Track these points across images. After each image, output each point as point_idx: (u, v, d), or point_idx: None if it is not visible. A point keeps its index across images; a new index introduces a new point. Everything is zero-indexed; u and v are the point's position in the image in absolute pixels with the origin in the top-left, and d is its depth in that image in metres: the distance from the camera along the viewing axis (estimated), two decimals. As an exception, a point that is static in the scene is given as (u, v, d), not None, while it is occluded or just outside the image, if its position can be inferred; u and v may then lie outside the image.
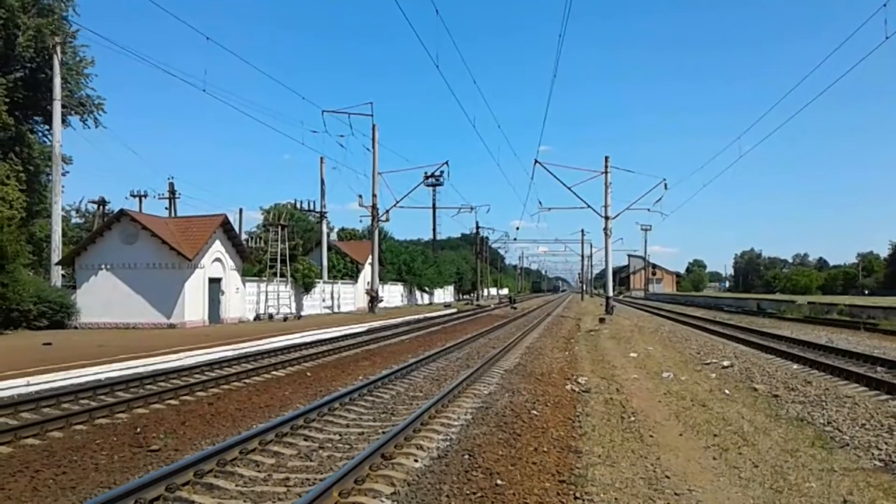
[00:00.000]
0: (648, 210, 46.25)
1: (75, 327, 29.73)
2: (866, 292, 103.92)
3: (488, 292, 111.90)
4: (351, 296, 52.49)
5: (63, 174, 36.28)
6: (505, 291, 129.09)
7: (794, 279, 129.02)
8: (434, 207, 77.67)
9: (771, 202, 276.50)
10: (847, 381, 13.82)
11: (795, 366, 16.46)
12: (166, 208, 55.80)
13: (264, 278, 40.20)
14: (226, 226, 34.63)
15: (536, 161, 41.73)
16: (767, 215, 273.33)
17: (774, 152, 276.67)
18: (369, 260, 49.16)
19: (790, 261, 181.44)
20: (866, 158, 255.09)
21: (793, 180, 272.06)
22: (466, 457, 7.66)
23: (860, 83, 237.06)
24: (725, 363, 16.74)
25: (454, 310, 55.64)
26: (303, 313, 42.96)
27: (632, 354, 19.24)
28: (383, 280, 55.81)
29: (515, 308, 59.72)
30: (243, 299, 36.85)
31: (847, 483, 6.82)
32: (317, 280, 46.12)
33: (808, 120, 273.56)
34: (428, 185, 69.93)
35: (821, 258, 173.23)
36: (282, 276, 40.96)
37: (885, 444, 8.43)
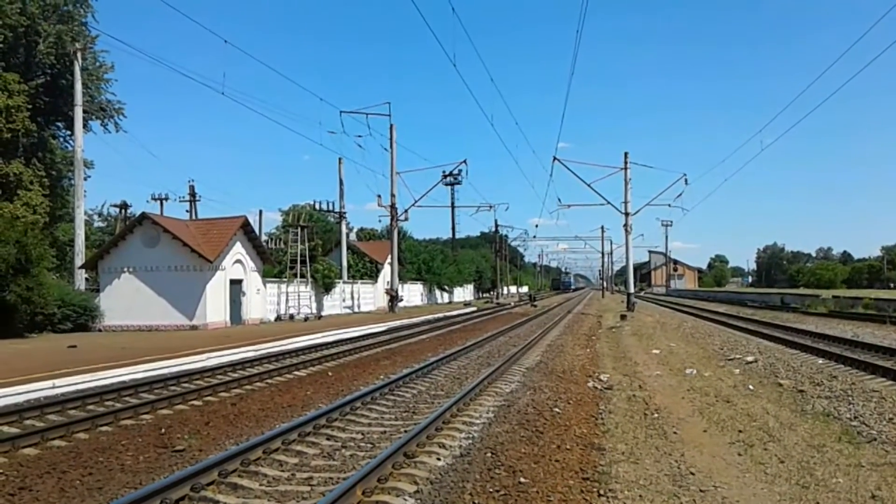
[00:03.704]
0: (669, 205, 45.78)
1: (99, 330, 30.08)
2: (892, 285, 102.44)
3: (508, 290, 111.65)
4: (371, 295, 52.61)
5: (85, 178, 36.73)
6: (525, 289, 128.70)
7: (818, 273, 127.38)
8: (453, 206, 77.40)
9: (793, 196, 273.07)
10: (874, 376, 13.62)
11: (821, 360, 16.26)
12: (187, 211, 56.23)
13: (284, 279, 40.41)
14: (246, 227, 34.85)
15: (555, 158, 41.45)
16: (790, 209, 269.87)
17: (796, 146, 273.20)
18: (388, 259, 49.26)
19: (814, 255, 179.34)
20: (890, 151, 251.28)
21: (815, 174, 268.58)
22: (489, 455, 7.64)
23: (882, 75, 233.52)
24: (749, 359, 16.56)
25: (474, 308, 55.62)
26: (323, 313, 43.13)
27: (654, 351, 19.12)
28: (403, 279, 55.90)
29: (535, 306, 59.62)
30: (264, 300, 37.07)
31: (875, 478, 6.72)
32: (336, 280, 46.29)
33: (830, 113, 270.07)
34: (446, 185, 69.61)
35: (845, 252, 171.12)
36: (302, 276, 41.15)
37: (915, 438, 8.29)
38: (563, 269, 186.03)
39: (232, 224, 33.81)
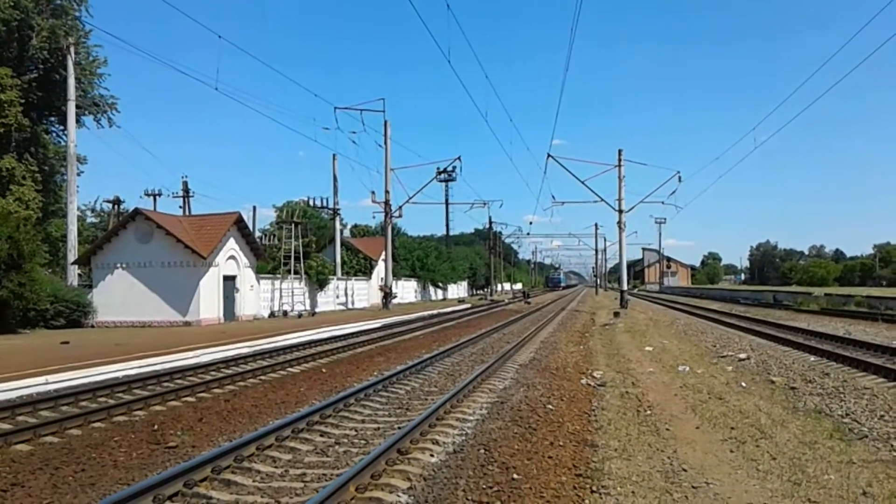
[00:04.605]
0: (663, 203, 45.85)
1: (92, 326, 30.00)
2: (884, 283, 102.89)
3: (502, 287, 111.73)
4: (364, 292, 52.61)
5: (78, 174, 36.59)
6: (518, 286, 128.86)
7: (811, 271, 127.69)
8: (447, 203, 77.38)
9: (786, 194, 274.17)
10: (865, 373, 13.69)
11: (813, 358, 16.33)
12: (180, 207, 56.06)
13: (278, 275, 40.36)
14: (240, 224, 34.79)
15: (549, 155, 41.43)
16: (783, 207, 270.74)
17: (789, 143, 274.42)
18: (382, 256, 49.26)
19: (806, 252, 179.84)
20: (882, 148, 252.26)
21: (808, 171, 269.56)
22: (482, 451, 7.66)
23: (875, 73, 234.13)
24: (742, 356, 16.63)
25: (468, 305, 55.65)
26: (317, 310, 43.10)
27: (647, 348, 19.16)
28: (397, 276, 55.89)
29: (529, 303, 59.64)
30: (258, 296, 37.02)
31: (866, 475, 6.75)
32: (330, 277, 46.26)
33: (822, 110, 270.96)
34: (440, 181, 69.76)
35: (837, 249, 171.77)
36: (296, 273, 41.11)
37: (905, 435, 8.33)
38: (552, 265, 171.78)
39: (225, 220, 33.74)
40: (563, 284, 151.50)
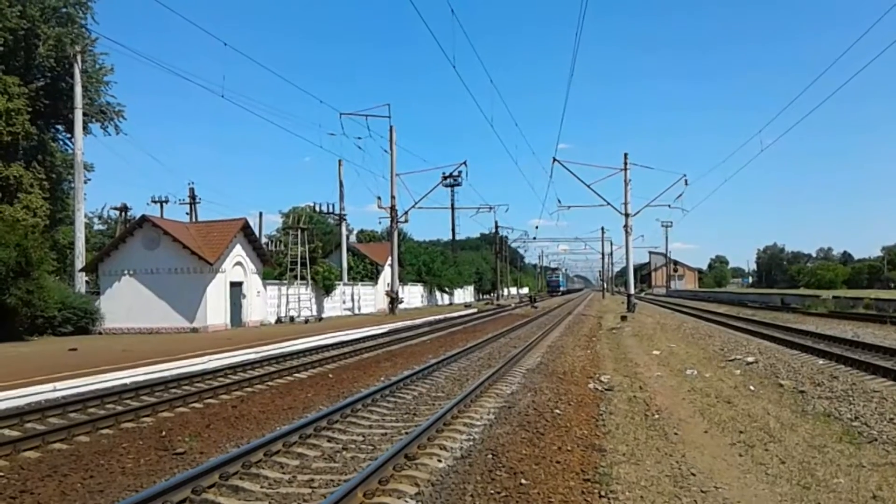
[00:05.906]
0: (669, 206, 45.90)
1: (99, 333, 30.09)
2: (892, 285, 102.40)
3: (508, 292, 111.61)
4: (371, 297, 52.63)
5: (85, 181, 36.66)
6: (525, 290, 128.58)
7: (819, 274, 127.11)
8: (453, 208, 77.44)
9: (793, 196, 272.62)
10: (874, 376, 13.62)
11: (821, 361, 16.25)
12: (187, 213, 56.39)
13: (285, 281, 40.40)
14: (246, 230, 34.87)
15: (555, 159, 41.44)
16: (790, 209, 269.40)
17: (796, 146, 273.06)
18: (389, 261, 49.30)
19: (814, 255, 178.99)
20: (890, 150, 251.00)
21: (815, 174, 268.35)
22: (490, 456, 7.64)
23: (882, 75, 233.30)
24: (750, 359, 16.55)
25: (474, 310, 55.59)
26: (323, 315, 43.14)
27: (655, 352, 19.11)
28: (403, 281, 55.89)
29: (536, 307, 59.56)
30: (264, 302, 37.08)
31: (876, 478, 6.72)
32: (337, 282, 46.30)
33: (829, 113, 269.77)
34: (446, 186, 69.64)
35: (845, 252, 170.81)
36: (302, 278, 41.15)
37: (916, 438, 8.28)
38: (551, 266, 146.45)
39: (232, 226, 33.84)
40: (563, 288, 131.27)
